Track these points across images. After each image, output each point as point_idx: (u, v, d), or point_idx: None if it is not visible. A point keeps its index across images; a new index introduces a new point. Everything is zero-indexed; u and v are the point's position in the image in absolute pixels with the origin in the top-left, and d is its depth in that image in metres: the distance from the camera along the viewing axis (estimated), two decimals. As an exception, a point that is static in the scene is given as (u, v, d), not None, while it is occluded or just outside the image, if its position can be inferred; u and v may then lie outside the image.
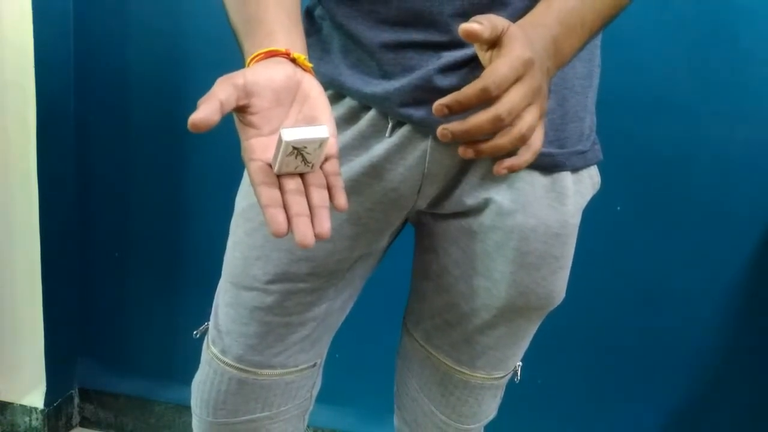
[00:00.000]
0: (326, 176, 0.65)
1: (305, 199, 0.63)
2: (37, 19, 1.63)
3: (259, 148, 0.64)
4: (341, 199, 0.64)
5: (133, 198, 1.81)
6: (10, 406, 1.87)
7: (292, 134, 0.62)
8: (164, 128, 1.71)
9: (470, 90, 0.64)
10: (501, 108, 0.64)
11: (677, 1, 1.44)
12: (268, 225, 0.60)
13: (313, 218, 0.62)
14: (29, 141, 1.69)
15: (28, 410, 1.86)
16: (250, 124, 0.65)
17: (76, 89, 1.76)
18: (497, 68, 0.64)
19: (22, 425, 1.87)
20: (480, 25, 0.64)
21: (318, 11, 0.90)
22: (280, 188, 0.63)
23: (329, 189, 0.65)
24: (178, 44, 1.68)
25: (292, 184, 0.63)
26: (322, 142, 0.63)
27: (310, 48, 0.89)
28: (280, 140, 0.62)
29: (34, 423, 1.86)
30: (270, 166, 0.64)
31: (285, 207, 0.62)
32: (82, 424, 1.98)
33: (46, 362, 1.83)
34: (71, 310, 1.89)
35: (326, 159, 0.65)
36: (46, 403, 1.85)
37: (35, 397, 1.85)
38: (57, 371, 1.87)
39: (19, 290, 1.79)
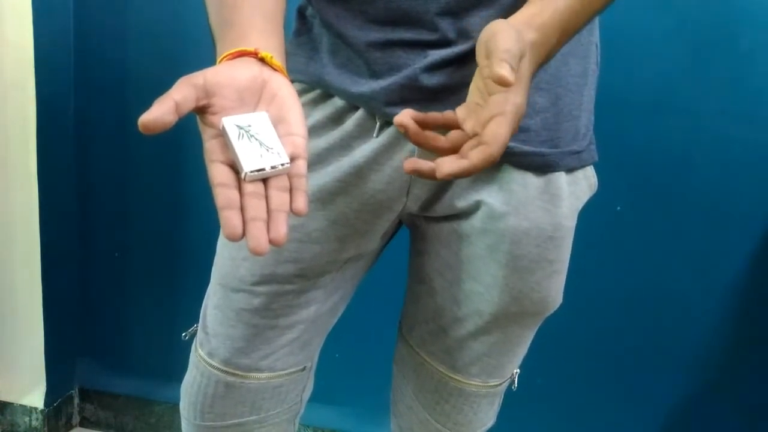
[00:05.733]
0: (290, 178, 0.63)
1: (264, 203, 0.60)
2: (37, 19, 1.63)
3: (220, 149, 0.62)
4: (299, 202, 0.61)
5: (133, 198, 1.81)
6: (10, 406, 1.88)
7: (230, 117, 0.62)
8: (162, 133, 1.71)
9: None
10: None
11: (677, 1, 1.44)
12: (222, 227, 0.58)
13: (269, 223, 0.59)
14: (29, 141, 1.68)
15: (28, 410, 1.86)
16: (211, 125, 0.63)
17: (76, 89, 1.76)
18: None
19: (22, 425, 1.87)
20: (511, 70, 0.63)
21: (309, 11, 0.89)
22: (240, 191, 0.60)
23: (291, 191, 0.62)
24: (178, 44, 1.68)
25: (252, 187, 0.60)
26: (265, 118, 0.63)
27: (301, 48, 0.89)
28: (223, 128, 0.61)
29: (34, 423, 1.86)
30: (231, 168, 0.61)
31: (242, 210, 0.59)
32: (82, 424, 1.98)
33: (46, 362, 1.83)
34: (71, 310, 1.89)
35: (292, 159, 0.63)
36: (46, 403, 1.85)
37: (35, 397, 1.85)
38: (57, 371, 1.87)
39: (19, 290, 1.79)
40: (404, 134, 0.69)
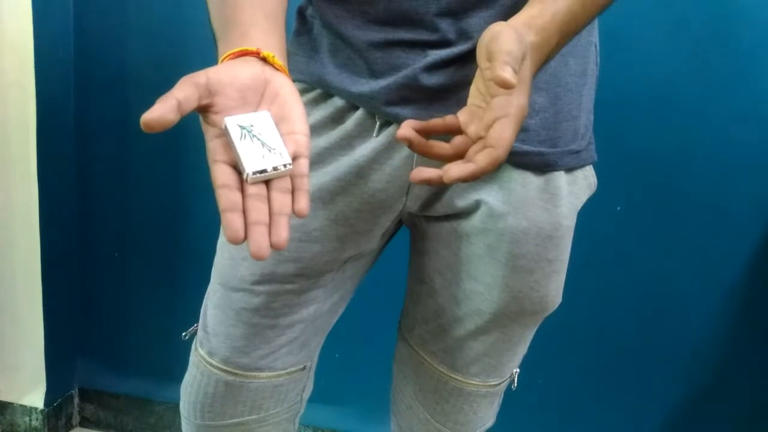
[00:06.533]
0: (292, 177, 0.62)
1: (266, 206, 0.60)
2: (37, 19, 1.63)
3: (223, 149, 0.62)
4: (301, 203, 0.61)
5: (133, 198, 1.81)
6: (10, 406, 1.88)
7: (233, 117, 0.62)
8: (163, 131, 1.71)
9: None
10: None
11: (677, 1, 1.44)
12: (224, 230, 0.58)
13: (271, 226, 0.59)
14: (29, 141, 1.69)
15: (28, 410, 1.86)
16: (214, 124, 0.63)
17: (76, 89, 1.76)
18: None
19: (22, 425, 1.87)
20: (513, 72, 0.63)
21: (309, 11, 0.89)
22: (243, 192, 0.60)
23: (293, 191, 0.62)
24: (178, 44, 1.68)
25: (254, 189, 0.60)
26: (267, 117, 0.63)
27: (301, 47, 0.89)
28: (225, 128, 0.61)
29: (34, 423, 1.86)
30: (233, 168, 0.61)
31: (244, 212, 0.59)
32: (82, 424, 1.98)
33: (46, 362, 1.83)
34: (71, 310, 1.89)
35: (294, 158, 0.63)
36: (46, 403, 1.86)
37: (35, 397, 1.85)
38: (57, 371, 1.87)
39: (19, 290, 1.79)
40: (408, 147, 0.69)
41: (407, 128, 0.68)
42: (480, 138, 0.67)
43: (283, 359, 0.95)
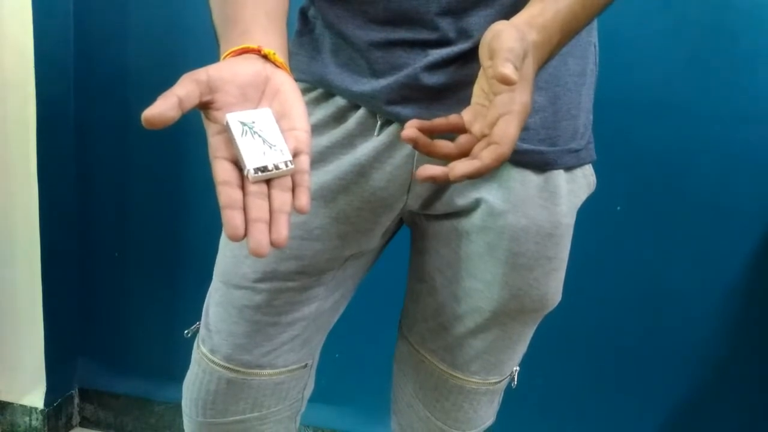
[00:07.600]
0: (293, 174, 0.63)
1: (267, 203, 0.60)
2: (37, 19, 1.63)
3: (224, 145, 0.62)
4: (302, 200, 0.61)
5: (133, 198, 1.81)
6: (10, 406, 1.88)
7: (234, 114, 0.62)
8: (164, 128, 1.71)
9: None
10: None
11: (677, 1, 1.44)
12: (224, 227, 0.58)
13: (271, 224, 0.59)
14: (29, 141, 1.69)
15: (28, 410, 1.86)
16: (215, 120, 0.63)
17: (76, 89, 1.77)
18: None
19: (22, 425, 1.87)
20: (514, 69, 0.63)
21: (311, 11, 0.90)
22: (243, 189, 0.60)
23: (293, 188, 0.62)
24: (178, 44, 1.69)
25: (255, 186, 0.60)
26: (269, 114, 0.63)
27: (303, 48, 0.90)
28: (226, 125, 0.61)
29: (34, 423, 1.86)
30: (235, 164, 0.61)
31: (245, 209, 0.59)
32: (82, 424, 1.98)
33: (46, 362, 1.83)
34: (71, 310, 1.89)
35: (295, 154, 0.63)
36: (46, 403, 1.86)
37: (35, 397, 1.85)
38: (57, 371, 1.87)
39: (19, 290, 1.79)
40: (413, 147, 0.69)
41: (411, 128, 0.69)
42: (484, 136, 0.68)
43: (284, 357, 0.95)
